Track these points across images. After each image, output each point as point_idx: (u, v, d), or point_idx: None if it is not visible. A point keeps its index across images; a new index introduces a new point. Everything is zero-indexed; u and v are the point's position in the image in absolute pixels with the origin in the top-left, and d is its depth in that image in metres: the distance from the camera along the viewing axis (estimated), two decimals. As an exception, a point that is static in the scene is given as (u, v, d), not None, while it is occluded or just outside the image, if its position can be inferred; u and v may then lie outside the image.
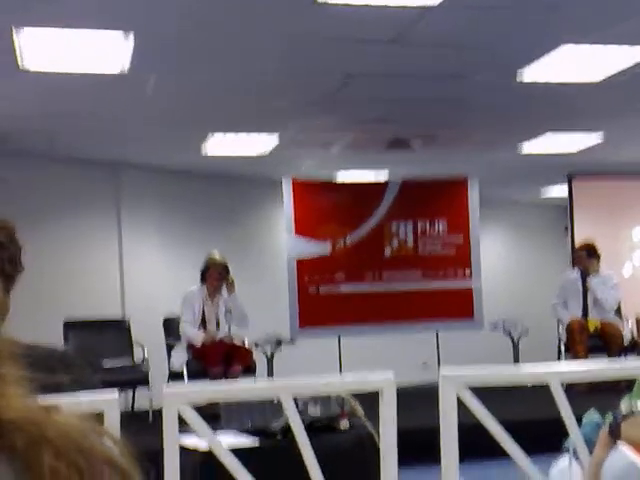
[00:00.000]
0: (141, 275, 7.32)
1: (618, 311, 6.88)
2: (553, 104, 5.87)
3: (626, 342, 6.62)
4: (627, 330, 6.77)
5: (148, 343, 6.22)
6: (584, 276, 6.77)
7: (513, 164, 7.94)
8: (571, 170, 7.99)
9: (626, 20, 4.15)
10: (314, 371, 1.83)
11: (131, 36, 4.01)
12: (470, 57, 4.68)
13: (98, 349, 5.96)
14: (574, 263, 6.93)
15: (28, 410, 0.48)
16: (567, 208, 8.25)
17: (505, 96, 5.60)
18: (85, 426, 0.50)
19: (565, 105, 5.90)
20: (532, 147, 7.04)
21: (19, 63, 4.25)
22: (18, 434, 0.46)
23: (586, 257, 6.72)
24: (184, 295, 6.02)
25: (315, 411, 3.36)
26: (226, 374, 5.68)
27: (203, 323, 5.97)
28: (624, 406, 2.04)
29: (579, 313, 6.70)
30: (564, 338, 6.68)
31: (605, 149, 7.34)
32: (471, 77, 5.09)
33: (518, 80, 5.07)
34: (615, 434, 1.01)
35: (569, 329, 6.58)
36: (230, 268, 6.03)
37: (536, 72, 4.93)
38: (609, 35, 4.37)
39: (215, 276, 5.92)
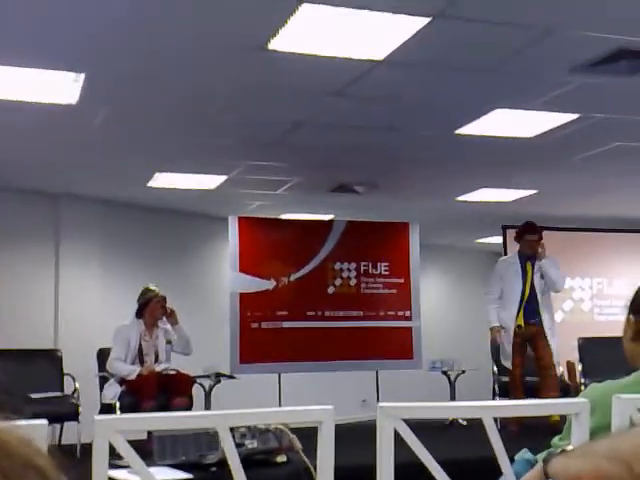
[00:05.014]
0: (77, 307, 7.15)
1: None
2: (488, 160, 6.10)
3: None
4: (558, 374, 6.88)
5: (80, 376, 6.02)
6: (524, 261, 6.21)
7: (451, 212, 8.19)
8: (506, 220, 8.24)
9: (557, 89, 4.37)
10: (253, 407, 1.81)
11: (82, 75, 4.01)
12: (411, 112, 4.87)
13: (26, 380, 5.74)
14: (529, 247, 6.18)
15: None
16: (502, 255, 8.47)
17: (442, 151, 5.81)
18: (13, 432, 0.50)
19: (500, 161, 6.12)
20: (468, 196, 7.33)
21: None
22: None
23: (538, 241, 6.20)
24: (117, 330, 5.79)
25: (252, 444, 3.32)
26: (168, 409, 5.40)
27: (140, 358, 5.79)
28: (553, 447, 2.08)
29: (514, 309, 6.23)
30: (507, 376, 6.48)
31: (539, 202, 7.63)
32: (411, 131, 5.28)
33: (455, 136, 5.27)
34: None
35: (511, 376, 6.51)
36: (170, 301, 5.94)
37: (472, 130, 5.15)
38: (541, 102, 4.60)
39: (157, 309, 5.81)
